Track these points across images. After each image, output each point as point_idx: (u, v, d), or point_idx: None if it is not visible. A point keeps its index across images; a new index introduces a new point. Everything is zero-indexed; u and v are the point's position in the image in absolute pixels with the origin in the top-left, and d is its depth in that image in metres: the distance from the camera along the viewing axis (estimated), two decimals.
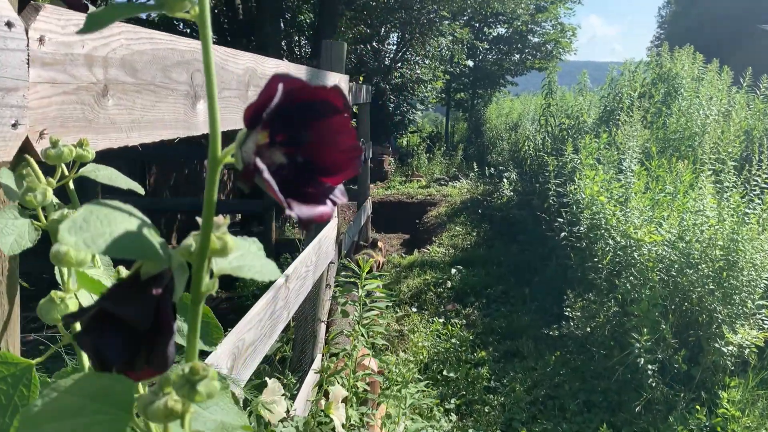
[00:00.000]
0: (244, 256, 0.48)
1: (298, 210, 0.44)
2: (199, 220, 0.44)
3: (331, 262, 3.54)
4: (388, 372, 3.55)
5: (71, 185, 0.77)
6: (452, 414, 4.32)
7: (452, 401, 4.48)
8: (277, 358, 3.75)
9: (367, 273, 3.05)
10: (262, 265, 0.48)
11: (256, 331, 1.99)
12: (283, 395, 1.98)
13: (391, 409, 2.93)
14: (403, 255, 8.35)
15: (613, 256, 4.96)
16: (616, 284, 4.81)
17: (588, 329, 4.74)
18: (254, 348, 1.99)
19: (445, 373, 4.82)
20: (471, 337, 5.45)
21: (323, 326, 3.64)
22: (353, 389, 2.77)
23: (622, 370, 4.38)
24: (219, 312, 3.07)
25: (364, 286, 3.01)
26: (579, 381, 4.61)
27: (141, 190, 0.84)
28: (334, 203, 0.47)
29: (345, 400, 2.66)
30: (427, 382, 4.71)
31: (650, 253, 4.67)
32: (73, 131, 0.96)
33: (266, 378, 1.96)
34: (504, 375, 4.82)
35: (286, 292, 2.47)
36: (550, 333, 5.22)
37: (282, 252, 6.99)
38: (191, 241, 0.44)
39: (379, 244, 7.83)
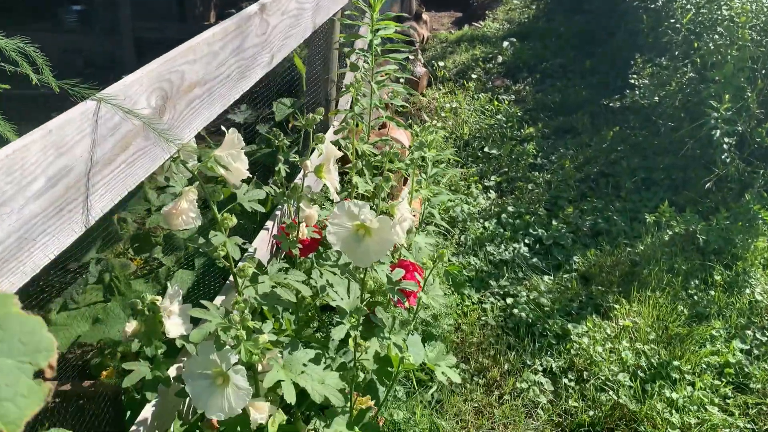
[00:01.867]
0: None
1: None
2: None
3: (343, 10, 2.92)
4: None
5: None
6: (491, 191, 3.91)
7: (492, 178, 4.04)
8: (290, 126, 3.32)
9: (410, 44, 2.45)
10: None
11: (206, 68, 1.48)
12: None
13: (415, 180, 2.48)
14: (452, 31, 7.55)
15: (695, 14, 4.13)
16: (695, 47, 4.05)
17: (656, 99, 4.08)
18: (207, 91, 1.49)
19: (486, 149, 4.34)
20: (519, 113, 4.88)
21: (335, 90, 3.13)
22: (363, 157, 2.31)
23: (691, 144, 3.79)
24: None
25: (377, 30, 2.43)
26: (639, 157, 4.07)
27: None
28: None
29: (352, 166, 2.22)
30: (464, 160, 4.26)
31: (743, 6, 3.84)
32: None
33: (222, 128, 1.49)
34: (553, 152, 4.31)
35: (265, 27, 1.92)
36: (611, 105, 4.59)
37: None
38: None
39: (424, 16, 7.01)
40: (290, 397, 1.33)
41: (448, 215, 3.62)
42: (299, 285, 1.49)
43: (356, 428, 1.71)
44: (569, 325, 2.75)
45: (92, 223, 1.05)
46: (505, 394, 2.50)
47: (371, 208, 1.53)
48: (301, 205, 1.67)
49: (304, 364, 1.45)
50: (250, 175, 1.41)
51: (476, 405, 2.47)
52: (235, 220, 1.37)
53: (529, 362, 2.63)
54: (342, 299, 1.72)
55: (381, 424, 2.30)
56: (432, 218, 2.40)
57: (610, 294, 2.94)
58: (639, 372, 2.50)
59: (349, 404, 1.76)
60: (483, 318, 2.89)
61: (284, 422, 1.63)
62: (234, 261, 1.49)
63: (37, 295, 2.87)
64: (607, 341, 2.66)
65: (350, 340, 1.65)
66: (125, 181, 1.16)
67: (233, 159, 1.41)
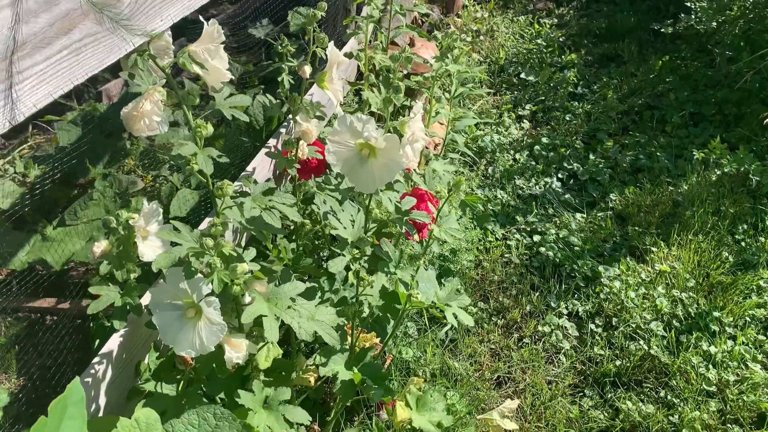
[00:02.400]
0: None
1: None
2: None
3: None
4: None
5: None
6: (525, 121, 3.63)
7: (527, 107, 3.76)
8: None
9: None
10: None
11: None
12: None
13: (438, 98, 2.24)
14: None
15: None
16: None
17: (713, 24, 3.71)
18: None
19: (523, 76, 4.03)
20: (561, 38, 4.53)
21: None
22: (381, 71, 2.07)
23: (750, 76, 3.45)
24: None
25: None
26: (688, 90, 3.73)
27: None
28: None
29: (365, 79, 1.99)
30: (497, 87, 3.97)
31: None
32: None
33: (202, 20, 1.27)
34: (595, 81, 3.98)
35: None
36: (661, 30, 4.20)
37: None
38: None
39: None
40: (272, 335, 1.16)
41: (476, 145, 3.37)
42: (287, 209, 1.29)
43: (355, 369, 1.55)
44: (600, 268, 2.53)
45: (21, 120, 0.86)
46: (525, 336, 2.32)
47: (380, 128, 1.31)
48: (297, 118, 1.46)
49: (292, 299, 1.27)
50: (233, 77, 1.19)
51: (493, 347, 2.30)
52: (210, 129, 1.17)
53: (553, 305, 2.44)
54: (345, 228, 1.53)
55: (389, 361, 2.14)
56: (455, 145, 2.17)
57: (648, 236, 2.70)
58: (674, 321, 2.29)
59: (350, 342, 1.60)
60: (506, 255, 2.69)
61: (279, 356, 1.48)
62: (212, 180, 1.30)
63: (38, 207, 2.75)
64: (640, 286, 2.44)
65: (350, 274, 1.47)
66: (71, 72, 0.96)
67: (210, 55, 1.19)
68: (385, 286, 1.61)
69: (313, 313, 1.35)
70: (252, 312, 1.17)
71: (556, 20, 4.88)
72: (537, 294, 2.47)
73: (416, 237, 1.58)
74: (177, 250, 1.13)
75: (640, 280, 2.47)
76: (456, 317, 1.56)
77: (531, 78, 4.02)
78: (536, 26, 4.69)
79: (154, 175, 2.99)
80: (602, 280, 2.49)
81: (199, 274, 1.13)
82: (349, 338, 1.62)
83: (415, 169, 1.61)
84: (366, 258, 1.57)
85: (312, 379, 1.80)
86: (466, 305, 1.60)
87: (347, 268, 1.44)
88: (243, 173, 1.73)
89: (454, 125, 2.19)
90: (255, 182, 1.63)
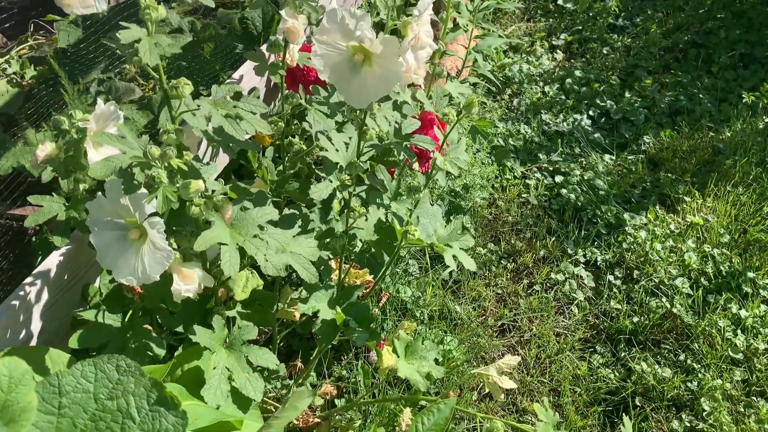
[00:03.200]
0: None
1: None
2: None
3: None
4: None
5: None
6: (558, 51, 3.34)
7: (562, 37, 3.45)
8: None
9: None
10: None
11: None
12: None
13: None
14: None
15: None
16: None
17: None
18: None
19: (560, 2, 3.70)
20: None
21: None
22: None
23: None
24: None
25: None
26: (741, 28, 3.39)
27: None
28: None
29: None
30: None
31: None
32: None
33: None
34: (639, 12, 3.65)
35: None
36: None
37: None
38: None
39: None
40: (230, 267, 0.98)
41: (503, 74, 3.10)
42: (255, 119, 1.08)
43: (338, 308, 1.38)
44: (626, 215, 2.31)
45: None
46: (536, 283, 2.13)
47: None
48: (282, 13, 1.23)
49: (261, 227, 1.08)
50: None
51: (500, 291, 2.12)
52: (162, 11, 0.95)
53: (570, 251, 2.24)
54: (337, 151, 1.32)
55: (385, 299, 1.98)
56: (477, 67, 1.92)
57: (681, 184, 2.46)
58: (702, 279, 2.08)
59: (337, 278, 1.42)
60: (524, 195, 2.47)
61: (260, 287, 1.31)
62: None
63: (28, 112, 2.58)
64: (668, 238, 2.23)
65: (335, 203, 1.27)
66: None
67: None
68: (382, 219, 1.41)
69: (286, 245, 1.16)
70: (208, 239, 0.99)
71: None
72: (553, 239, 2.27)
73: (416, 166, 1.37)
74: (119, 159, 0.94)
75: (668, 232, 2.25)
76: (456, 260, 1.37)
77: (569, 5, 3.69)
78: None
79: (153, 85, 2.79)
80: (627, 228, 2.27)
81: (144, 189, 0.94)
82: (336, 275, 1.45)
83: (421, 86, 1.39)
84: (362, 188, 1.37)
85: (297, 314, 1.64)
86: (469, 246, 1.41)
87: (332, 196, 1.25)
88: (228, 81, 1.52)
89: (476, 44, 1.94)
90: (239, 94, 1.42)
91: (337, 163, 1.30)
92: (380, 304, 1.94)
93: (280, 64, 1.32)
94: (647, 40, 3.37)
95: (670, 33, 3.44)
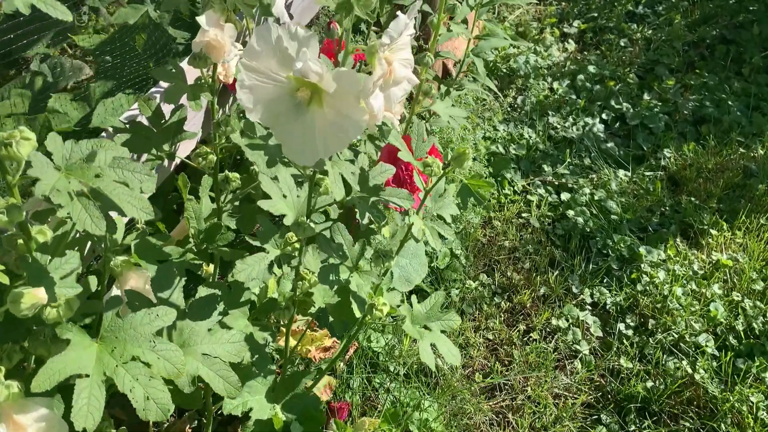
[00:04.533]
0: None
1: None
2: None
3: None
4: None
5: None
6: (570, 41, 2.97)
7: (574, 24, 3.08)
8: None
9: None
10: None
11: None
12: None
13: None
14: None
15: None
16: None
17: None
18: None
19: None
20: None
21: None
22: None
23: None
24: None
25: None
26: None
27: None
28: None
29: None
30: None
31: None
32: None
33: None
34: (660, 0, 3.26)
35: None
36: None
37: None
38: None
39: None
40: (85, 419, 0.65)
41: (507, 66, 2.74)
42: (129, 197, 0.72)
43: (278, 408, 1.06)
44: (641, 248, 1.98)
45: None
46: (534, 329, 1.81)
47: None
48: (201, 20, 0.87)
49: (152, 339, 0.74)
50: None
51: (491, 338, 1.80)
52: None
53: (575, 289, 1.91)
54: (285, 196, 0.98)
55: (352, 351, 1.65)
56: (474, 72, 1.57)
57: (706, 212, 2.13)
58: (731, 337, 1.76)
59: (272, 367, 1.09)
60: (524, 215, 2.14)
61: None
62: None
63: None
64: (690, 281, 1.90)
65: (271, 282, 0.94)
66: None
67: None
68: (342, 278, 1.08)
69: (196, 343, 0.83)
70: (56, 372, 0.66)
71: None
72: (556, 273, 1.94)
73: (386, 231, 1.03)
74: None
75: (691, 273, 1.92)
76: (435, 349, 1.04)
77: None
78: None
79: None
80: (642, 265, 1.94)
81: None
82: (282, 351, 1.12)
83: (395, 127, 1.04)
84: (310, 249, 1.03)
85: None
86: (454, 327, 1.08)
87: (270, 271, 0.91)
88: (153, 90, 1.17)
89: (476, 45, 1.59)
90: (157, 115, 1.07)
91: (278, 221, 0.96)
92: (346, 357, 1.62)
93: (208, 83, 0.97)
94: (670, 32, 3.00)
95: (696, 25, 3.07)
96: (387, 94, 0.79)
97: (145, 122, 1.09)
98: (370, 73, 0.77)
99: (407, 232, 1.00)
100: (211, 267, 1.23)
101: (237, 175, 1.11)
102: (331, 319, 1.26)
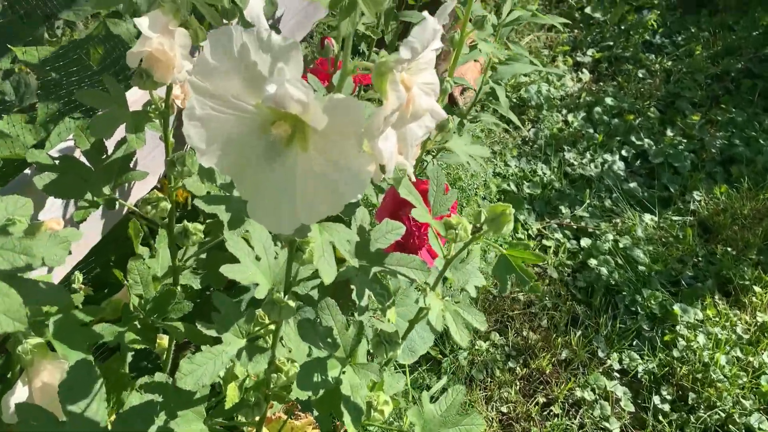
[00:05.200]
0: None
1: None
2: None
3: None
4: None
5: None
6: (584, 70, 2.75)
7: (588, 53, 2.87)
8: None
9: None
10: None
11: None
12: None
13: None
14: None
15: None
16: None
17: None
18: None
19: (588, 11, 3.11)
20: None
21: None
22: None
23: None
24: None
25: None
26: None
27: None
28: None
29: None
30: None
31: None
32: None
33: None
34: (679, 30, 3.06)
35: None
36: None
37: None
38: None
39: None
40: None
41: (517, 95, 2.52)
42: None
43: None
44: (676, 306, 1.73)
45: None
46: (555, 401, 1.56)
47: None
48: (140, 22, 0.63)
49: None
50: None
51: (505, 411, 1.54)
52: None
53: (601, 353, 1.66)
54: (258, 258, 0.74)
55: None
56: (494, 102, 1.34)
57: (745, 264, 1.88)
58: None
59: None
60: (540, 263, 1.89)
61: None
62: None
63: None
64: (735, 346, 1.65)
65: (230, 388, 0.69)
66: None
67: None
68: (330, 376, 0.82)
69: None
70: None
71: None
72: (579, 333, 1.69)
73: (390, 315, 0.78)
74: None
75: (734, 337, 1.68)
76: None
77: (597, 15, 3.10)
78: None
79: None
80: (677, 326, 1.70)
81: None
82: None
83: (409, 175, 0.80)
84: (291, 323, 0.78)
85: None
86: None
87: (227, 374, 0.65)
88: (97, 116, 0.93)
89: (496, 71, 1.35)
90: (97, 149, 0.82)
91: (246, 293, 0.72)
92: None
93: (159, 108, 0.72)
94: (691, 64, 2.79)
95: (719, 57, 2.86)
96: (402, 133, 0.54)
97: (83, 157, 0.84)
98: (378, 103, 0.52)
99: (419, 315, 0.75)
100: (165, 340, 0.97)
101: (199, 226, 0.86)
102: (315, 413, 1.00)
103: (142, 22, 0.62)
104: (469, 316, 0.71)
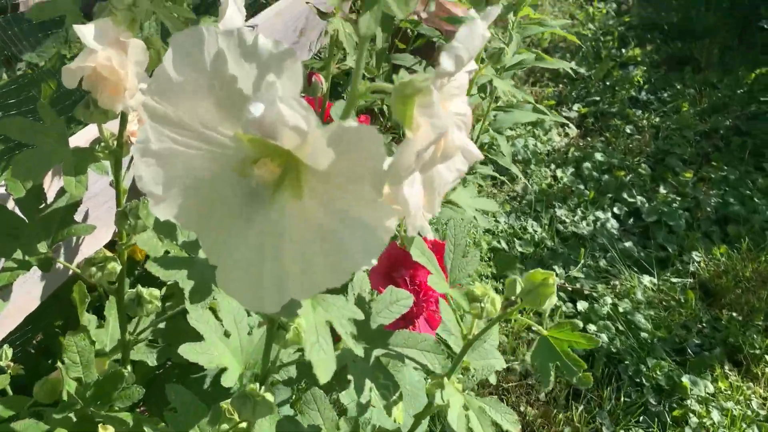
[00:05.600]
0: None
1: None
2: None
3: None
4: None
5: None
6: (571, 126, 2.68)
7: (574, 108, 2.80)
8: None
9: None
10: None
11: None
12: None
13: None
14: None
15: None
16: None
17: None
18: None
19: (573, 65, 3.07)
20: (621, 29, 3.56)
21: None
22: None
23: None
24: None
25: None
26: None
27: None
28: None
29: None
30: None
31: None
32: None
33: None
34: (665, 86, 3.03)
35: None
36: (766, 27, 3.24)
37: None
38: None
39: None
40: None
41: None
42: None
43: None
44: (684, 378, 1.60)
45: None
46: None
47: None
48: (81, 31, 0.50)
49: None
50: None
51: None
52: None
53: (606, 430, 1.51)
54: (227, 334, 0.58)
55: None
56: (496, 150, 1.22)
57: (754, 331, 1.76)
58: None
59: None
60: (535, 328, 1.74)
61: None
62: None
63: None
64: (752, 423, 1.51)
65: None
66: None
67: None
68: None
69: None
70: None
71: (614, 5, 3.90)
72: (581, 408, 1.54)
73: (399, 414, 0.63)
74: None
75: (750, 413, 1.54)
76: None
77: (582, 70, 3.06)
78: (591, 9, 3.72)
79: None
80: (687, 401, 1.55)
81: None
82: None
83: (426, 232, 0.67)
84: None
85: None
86: None
87: None
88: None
89: (496, 118, 1.24)
90: (34, 196, 0.67)
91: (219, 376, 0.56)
92: None
93: (109, 146, 0.58)
94: (679, 121, 2.74)
95: (706, 114, 2.81)
96: (429, 177, 0.40)
97: (16, 207, 0.68)
98: (401, 138, 0.38)
99: (428, 408, 0.60)
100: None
101: (156, 293, 0.70)
102: None
103: (85, 31, 0.47)
104: (498, 414, 0.56)
